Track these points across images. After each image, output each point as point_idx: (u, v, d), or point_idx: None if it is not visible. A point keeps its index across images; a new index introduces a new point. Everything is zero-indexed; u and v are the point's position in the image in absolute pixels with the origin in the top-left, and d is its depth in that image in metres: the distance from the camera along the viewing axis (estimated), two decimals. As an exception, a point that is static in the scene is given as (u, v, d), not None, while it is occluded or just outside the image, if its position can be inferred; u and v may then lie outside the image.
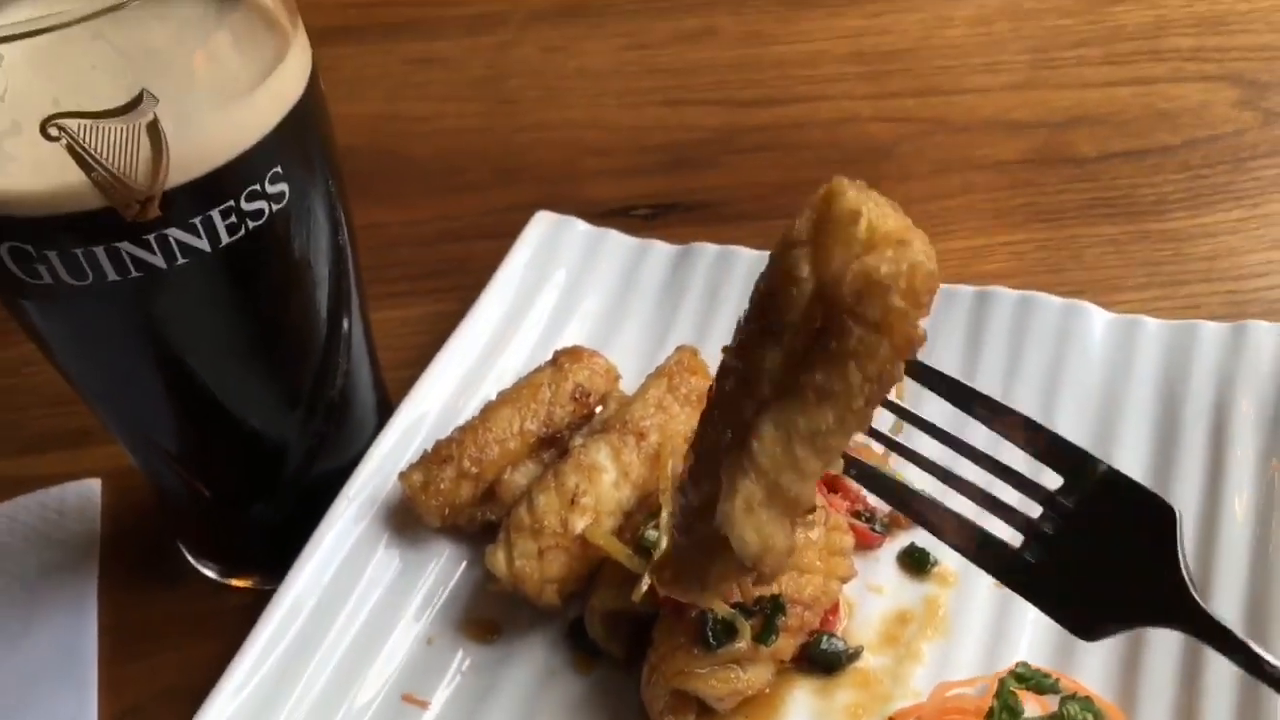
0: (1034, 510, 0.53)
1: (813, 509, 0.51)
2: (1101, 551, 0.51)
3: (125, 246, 0.56)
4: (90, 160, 0.53)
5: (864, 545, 0.72)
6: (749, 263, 0.87)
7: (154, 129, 0.53)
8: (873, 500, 0.75)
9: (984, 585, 0.69)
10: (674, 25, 1.22)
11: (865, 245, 0.45)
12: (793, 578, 0.66)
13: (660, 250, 0.90)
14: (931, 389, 0.54)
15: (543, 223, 0.91)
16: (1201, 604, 0.49)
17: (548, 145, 1.10)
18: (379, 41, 1.20)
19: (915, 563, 0.72)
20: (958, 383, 0.54)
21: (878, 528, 0.73)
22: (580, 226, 0.91)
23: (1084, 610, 0.51)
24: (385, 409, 0.78)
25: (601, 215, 0.95)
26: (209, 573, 0.78)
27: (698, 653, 0.63)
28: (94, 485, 0.83)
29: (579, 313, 0.87)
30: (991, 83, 1.11)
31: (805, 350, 0.46)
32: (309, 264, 0.64)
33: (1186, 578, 0.49)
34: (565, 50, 1.21)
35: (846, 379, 0.46)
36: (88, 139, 0.52)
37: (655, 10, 1.24)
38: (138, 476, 0.84)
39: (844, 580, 0.69)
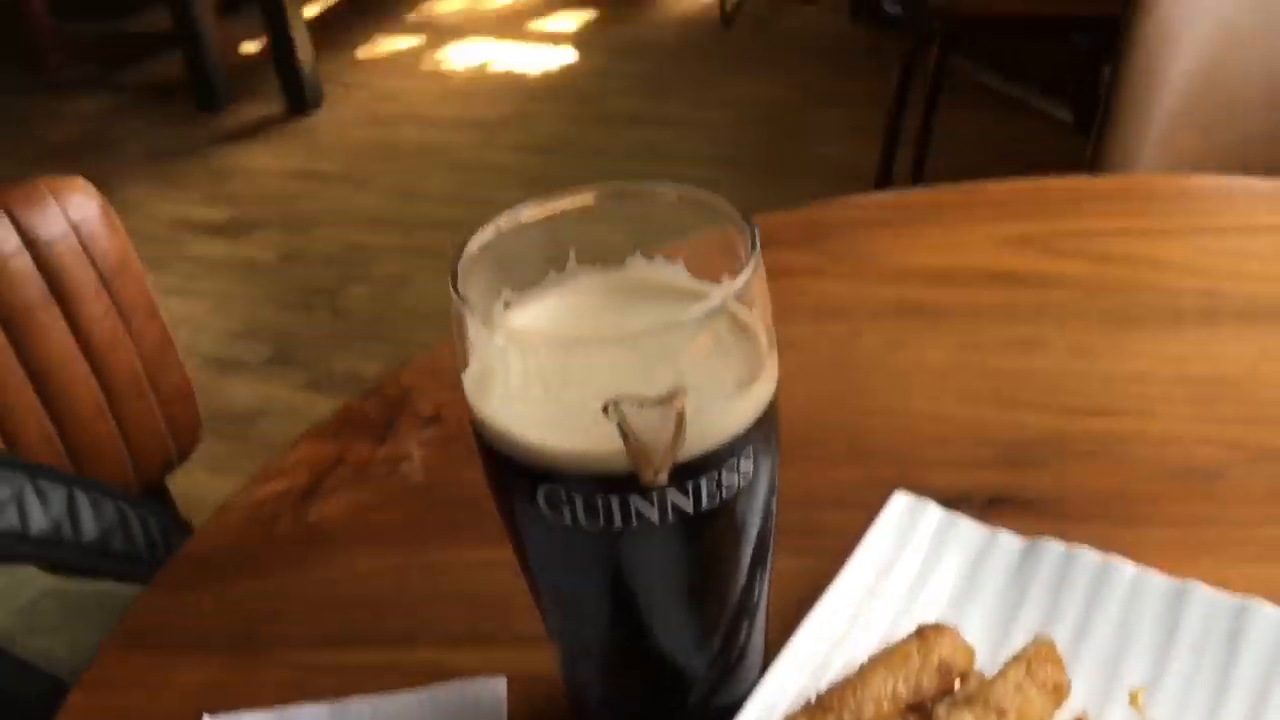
0: None
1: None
2: None
3: (635, 501, 0.71)
4: (632, 435, 0.69)
5: None
6: (1093, 564, 0.96)
7: (680, 415, 0.69)
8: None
9: None
10: (1007, 332, 1.35)
11: None
12: None
13: (1008, 541, 1.00)
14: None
15: (900, 502, 1.03)
16: None
17: (893, 431, 1.23)
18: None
19: None
20: None
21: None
22: (934, 510, 1.03)
23: None
24: (766, 654, 0.90)
25: (943, 501, 1.06)
26: (601, 778, 0.90)
27: None
28: (501, 683, 0.97)
29: (928, 590, 0.98)
30: (1321, 417, 1.17)
31: None
32: (753, 530, 0.78)
33: None
34: (906, 345, 1.36)
35: None
36: (634, 419, 0.68)
37: (987, 319, 1.38)
38: (538, 682, 0.98)
39: None
